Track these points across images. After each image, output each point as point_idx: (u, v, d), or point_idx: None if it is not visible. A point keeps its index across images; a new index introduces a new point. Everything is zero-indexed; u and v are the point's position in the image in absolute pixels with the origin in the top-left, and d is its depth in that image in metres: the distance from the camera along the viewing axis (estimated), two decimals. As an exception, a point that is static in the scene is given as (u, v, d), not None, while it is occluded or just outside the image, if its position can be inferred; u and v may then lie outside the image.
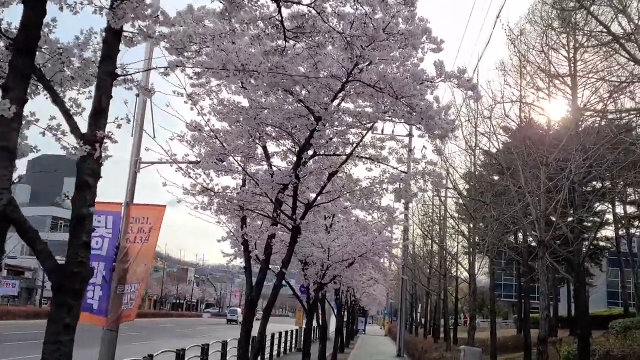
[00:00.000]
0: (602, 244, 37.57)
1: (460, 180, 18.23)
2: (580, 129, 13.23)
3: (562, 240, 14.81)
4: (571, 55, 15.18)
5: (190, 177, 6.96)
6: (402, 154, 8.64)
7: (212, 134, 6.65)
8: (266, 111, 6.28)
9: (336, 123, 7.00)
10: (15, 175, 3.34)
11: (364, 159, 8.28)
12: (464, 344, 33.31)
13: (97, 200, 3.74)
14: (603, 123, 13.91)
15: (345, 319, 39.86)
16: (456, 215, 27.80)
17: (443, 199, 25.36)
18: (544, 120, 15.28)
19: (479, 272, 28.62)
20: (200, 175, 6.98)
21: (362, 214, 16.75)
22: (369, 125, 8.20)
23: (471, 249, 16.96)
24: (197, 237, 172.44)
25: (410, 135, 30.09)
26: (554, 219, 12.30)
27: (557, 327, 36.20)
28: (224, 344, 15.89)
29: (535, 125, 16.95)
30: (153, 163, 8.15)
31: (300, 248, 12.82)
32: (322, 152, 7.43)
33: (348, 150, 8.02)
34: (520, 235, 35.76)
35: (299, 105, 6.13)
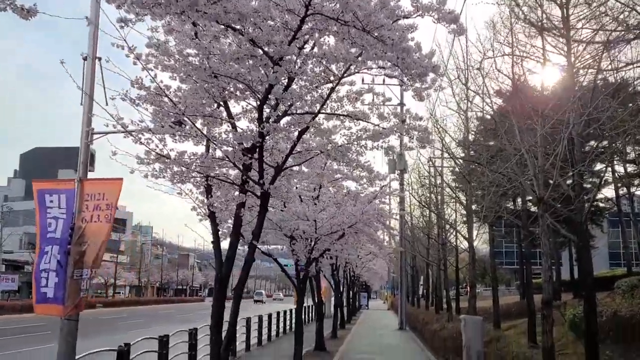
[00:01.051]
0: (601, 204, 36.93)
1: (452, 143, 17.39)
2: (576, 88, 12.42)
3: (562, 200, 14.04)
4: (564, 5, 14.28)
5: (141, 142, 6.14)
6: (385, 111, 7.80)
7: (160, 91, 5.82)
8: (216, 58, 5.43)
9: (302, 74, 6.16)
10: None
11: (341, 117, 7.46)
12: (465, 313, 32.86)
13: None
14: (599, 79, 13.10)
15: (346, 295, 39.46)
16: (452, 183, 27.05)
17: (438, 165, 24.58)
18: (538, 81, 14.36)
19: (478, 240, 28.05)
20: (152, 141, 6.17)
21: (354, 185, 16.00)
22: (347, 78, 7.40)
23: (468, 216, 16.20)
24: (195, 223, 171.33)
25: (401, 103, 29.21)
26: (551, 181, 11.53)
27: (560, 291, 35.69)
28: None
29: (529, 86, 16.07)
30: (106, 133, 7.32)
31: (285, 222, 12.06)
32: (292, 109, 6.61)
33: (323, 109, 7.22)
34: (519, 201, 35.13)
35: (250, 46, 5.28)
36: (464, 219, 27.01)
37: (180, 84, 6.13)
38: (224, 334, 6.93)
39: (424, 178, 26.81)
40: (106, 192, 7.33)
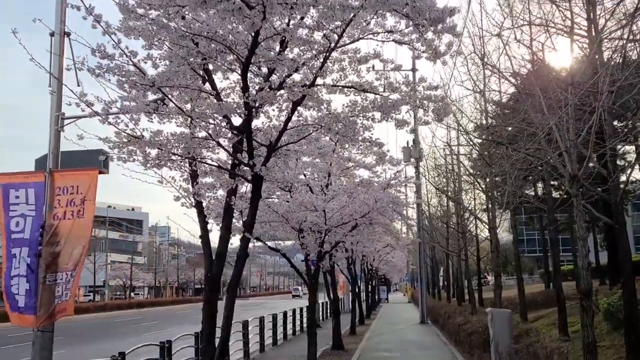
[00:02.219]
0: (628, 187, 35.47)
1: (470, 125, 16.27)
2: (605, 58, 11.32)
3: (591, 180, 12.96)
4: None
5: (109, 123, 5.22)
6: (394, 79, 6.79)
7: (125, 58, 4.89)
8: (186, 10, 4.49)
9: (295, 39, 5.19)
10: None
11: (345, 90, 6.47)
12: (489, 305, 31.63)
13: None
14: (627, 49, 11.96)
15: (365, 289, 38.47)
16: (470, 170, 25.92)
17: (454, 147, 23.48)
18: (558, 61, 13.19)
19: (499, 228, 26.83)
20: (121, 120, 5.25)
21: (367, 174, 14.98)
22: (350, 45, 6.42)
23: (490, 201, 15.14)
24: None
25: (414, 69, 28.06)
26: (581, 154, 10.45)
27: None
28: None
29: (549, 68, 14.90)
30: (78, 117, 6.42)
31: (292, 213, 11.13)
32: (287, 82, 5.64)
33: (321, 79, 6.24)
34: (540, 187, 33.84)
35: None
36: (484, 206, 25.93)
37: (152, 52, 5.20)
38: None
39: (440, 166, 25.74)
40: (80, 184, 6.43)
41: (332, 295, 17.33)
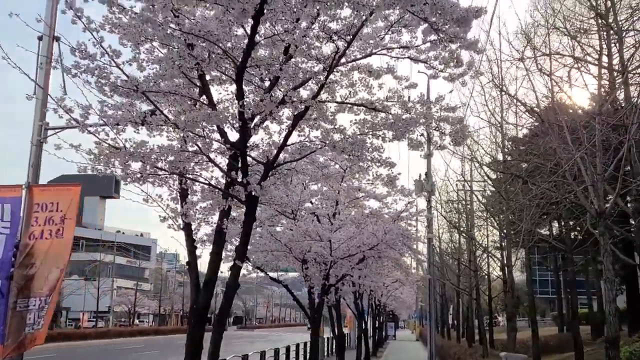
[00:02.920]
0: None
1: (485, 158, 15.66)
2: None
3: (614, 217, 12.27)
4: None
5: (89, 132, 4.67)
6: (409, 97, 6.22)
7: (106, 58, 4.36)
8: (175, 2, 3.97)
9: (302, 42, 4.66)
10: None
11: (354, 107, 5.91)
12: (500, 346, 30.54)
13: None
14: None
15: (372, 325, 37.38)
16: (483, 207, 25.20)
17: (467, 182, 22.85)
18: (579, 96, 12.63)
19: (512, 266, 25.98)
20: (102, 129, 4.69)
21: (377, 205, 14.34)
22: (362, 61, 5.88)
23: (505, 238, 14.41)
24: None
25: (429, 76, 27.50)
26: (610, 195, 9.81)
27: (603, 323, 33.26)
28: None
29: (571, 100, 14.33)
30: (63, 128, 5.89)
31: (295, 243, 10.50)
32: (291, 88, 5.08)
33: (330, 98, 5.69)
34: (555, 227, 32.95)
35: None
36: (496, 244, 25.13)
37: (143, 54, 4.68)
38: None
39: (453, 201, 25.04)
40: (60, 201, 5.87)
41: (337, 331, 16.52)
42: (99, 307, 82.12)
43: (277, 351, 19.12)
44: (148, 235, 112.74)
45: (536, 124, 12.82)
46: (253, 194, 4.80)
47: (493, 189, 21.29)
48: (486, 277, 29.58)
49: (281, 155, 5.47)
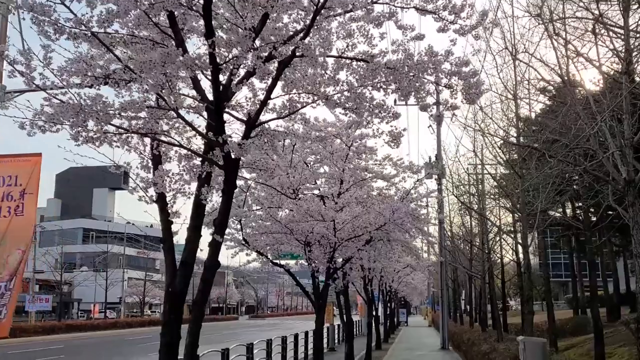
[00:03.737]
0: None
1: (499, 132, 14.81)
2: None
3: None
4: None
5: (37, 86, 3.96)
6: (413, 50, 5.44)
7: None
8: None
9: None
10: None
11: (353, 62, 5.15)
12: (514, 331, 29.77)
13: None
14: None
15: (383, 311, 36.75)
16: (495, 188, 24.32)
17: (479, 167, 22.03)
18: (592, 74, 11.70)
19: (529, 246, 25.08)
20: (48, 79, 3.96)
21: (385, 184, 13.60)
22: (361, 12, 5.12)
23: (521, 215, 13.62)
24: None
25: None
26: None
27: (619, 305, 32.41)
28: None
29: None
30: (23, 91, 5.19)
31: (297, 224, 9.80)
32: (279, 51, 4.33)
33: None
34: (569, 209, 32.03)
35: None
36: (509, 227, 24.30)
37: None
38: None
39: (464, 184, 24.19)
40: (20, 173, 5.20)
41: (345, 318, 15.85)
42: (111, 299, 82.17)
43: (284, 339, 18.51)
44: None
45: (554, 92, 11.99)
46: (232, 155, 4.09)
47: (505, 171, 20.48)
48: (499, 261, 28.82)
49: (268, 116, 4.74)
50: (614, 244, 36.14)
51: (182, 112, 4.54)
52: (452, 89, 5.60)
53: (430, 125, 29.28)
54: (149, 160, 4.88)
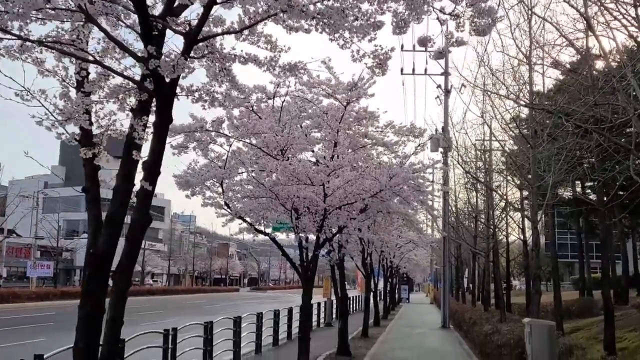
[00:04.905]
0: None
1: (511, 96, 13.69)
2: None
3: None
4: None
5: None
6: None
7: None
8: None
9: None
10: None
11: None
12: (517, 311, 28.94)
13: None
14: None
15: (384, 287, 35.97)
16: (503, 164, 23.26)
17: (487, 142, 20.98)
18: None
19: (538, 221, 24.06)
20: None
21: (387, 155, 12.59)
22: None
23: (531, 188, 12.60)
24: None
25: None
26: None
27: (627, 288, 31.47)
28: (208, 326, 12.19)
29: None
30: None
31: (283, 188, 8.83)
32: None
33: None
34: (579, 187, 30.94)
35: None
36: (517, 204, 23.31)
37: None
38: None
39: (471, 159, 23.11)
40: None
41: (339, 292, 14.98)
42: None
43: (276, 313, 17.72)
44: (162, 196, 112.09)
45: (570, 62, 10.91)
46: (161, 73, 3.10)
47: (514, 147, 19.39)
48: (504, 239, 27.88)
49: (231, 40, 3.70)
50: (624, 225, 35.08)
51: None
52: (458, 19, 4.53)
53: (437, 97, 28.11)
54: (71, 88, 3.90)
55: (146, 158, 3.49)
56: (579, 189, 31.56)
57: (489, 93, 12.67)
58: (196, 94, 3.76)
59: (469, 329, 18.51)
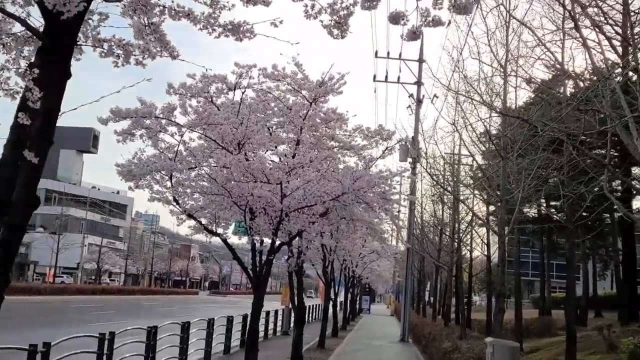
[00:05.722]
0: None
1: (483, 110, 13.29)
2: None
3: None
4: None
5: None
6: None
7: None
8: None
9: None
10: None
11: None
12: (477, 327, 28.70)
13: None
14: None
15: (345, 297, 35.30)
16: (470, 181, 22.96)
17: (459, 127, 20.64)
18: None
19: (493, 247, 23.91)
20: None
21: (354, 160, 11.99)
22: None
23: (500, 202, 12.13)
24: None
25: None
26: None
27: (586, 309, 31.49)
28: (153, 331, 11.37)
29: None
30: None
31: (237, 185, 8.11)
32: None
33: None
34: (543, 206, 30.88)
35: None
36: (484, 218, 22.99)
37: None
38: None
39: (440, 170, 22.71)
40: None
41: (296, 301, 14.26)
42: (70, 264, 79.69)
43: (229, 319, 16.89)
44: (125, 193, 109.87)
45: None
46: (47, 5, 2.38)
47: (483, 162, 19.02)
48: (467, 254, 27.58)
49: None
50: (586, 246, 35.24)
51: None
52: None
53: (409, 106, 27.70)
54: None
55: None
56: (543, 208, 31.56)
57: (463, 97, 12.17)
58: (105, 45, 3.05)
59: (428, 344, 17.97)
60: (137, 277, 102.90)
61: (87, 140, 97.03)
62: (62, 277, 74.53)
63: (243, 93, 8.72)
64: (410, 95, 27.22)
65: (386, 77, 27.93)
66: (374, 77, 28.53)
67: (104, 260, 79.71)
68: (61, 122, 3.30)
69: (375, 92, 48.94)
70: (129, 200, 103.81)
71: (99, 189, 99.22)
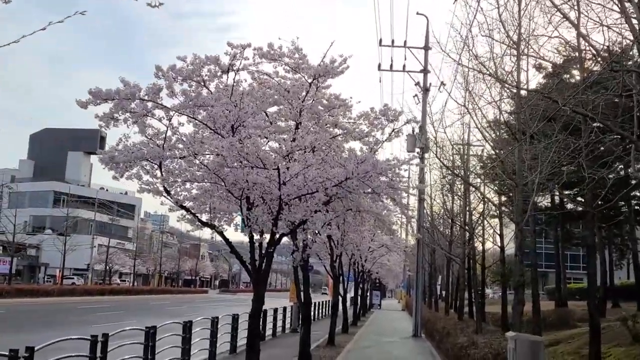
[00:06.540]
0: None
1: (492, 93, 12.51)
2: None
3: None
4: None
5: None
6: None
7: None
8: None
9: None
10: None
11: None
12: (492, 321, 27.85)
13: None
14: None
15: (355, 293, 34.60)
16: (479, 171, 22.11)
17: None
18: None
19: (506, 239, 23.10)
20: None
21: (358, 145, 11.30)
22: None
23: (516, 187, 11.37)
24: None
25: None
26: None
27: (604, 300, 30.62)
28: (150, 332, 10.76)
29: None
30: None
31: (232, 173, 7.44)
32: None
33: None
34: (557, 196, 30.02)
35: None
36: (496, 207, 22.24)
37: None
38: None
39: (449, 159, 21.94)
40: None
41: (302, 297, 13.60)
42: (81, 265, 79.48)
43: (235, 317, 16.25)
44: (133, 194, 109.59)
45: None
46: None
47: (493, 151, 18.26)
48: (479, 246, 26.77)
49: None
50: (602, 236, 34.39)
51: None
52: None
53: (416, 95, 26.90)
54: None
55: None
56: (557, 196, 30.71)
57: (474, 71, 11.40)
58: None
59: (442, 339, 17.27)
60: (147, 277, 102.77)
61: (94, 142, 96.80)
62: (73, 278, 74.45)
63: (236, 74, 8.04)
64: (417, 84, 26.42)
65: (391, 65, 27.19)
66: (379, 65, 27.76)
67: (113, 261, 79.44)
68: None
69: (380, 81, 47.98)
70: (136, 201, 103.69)
71: (107, 190, 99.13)
